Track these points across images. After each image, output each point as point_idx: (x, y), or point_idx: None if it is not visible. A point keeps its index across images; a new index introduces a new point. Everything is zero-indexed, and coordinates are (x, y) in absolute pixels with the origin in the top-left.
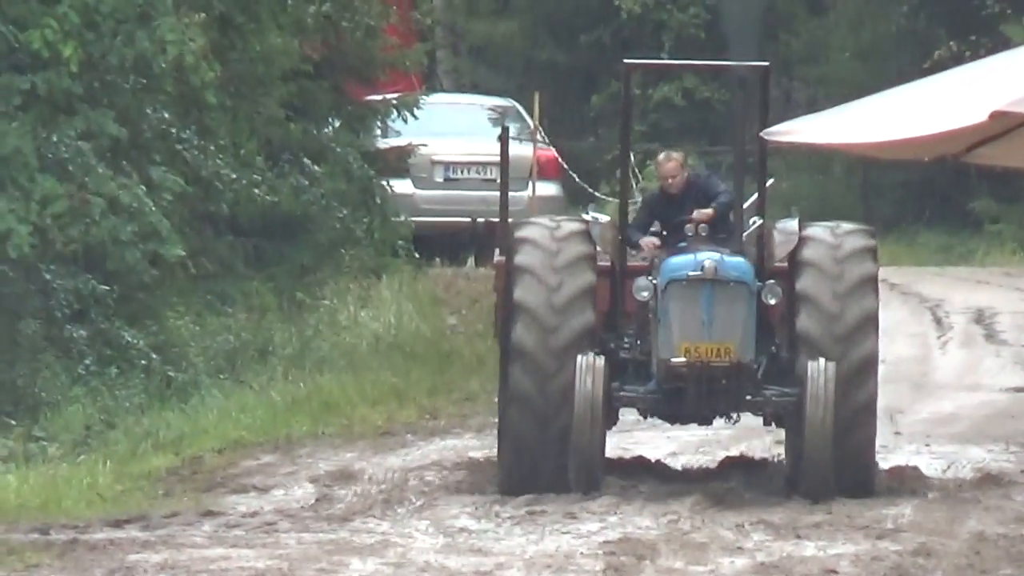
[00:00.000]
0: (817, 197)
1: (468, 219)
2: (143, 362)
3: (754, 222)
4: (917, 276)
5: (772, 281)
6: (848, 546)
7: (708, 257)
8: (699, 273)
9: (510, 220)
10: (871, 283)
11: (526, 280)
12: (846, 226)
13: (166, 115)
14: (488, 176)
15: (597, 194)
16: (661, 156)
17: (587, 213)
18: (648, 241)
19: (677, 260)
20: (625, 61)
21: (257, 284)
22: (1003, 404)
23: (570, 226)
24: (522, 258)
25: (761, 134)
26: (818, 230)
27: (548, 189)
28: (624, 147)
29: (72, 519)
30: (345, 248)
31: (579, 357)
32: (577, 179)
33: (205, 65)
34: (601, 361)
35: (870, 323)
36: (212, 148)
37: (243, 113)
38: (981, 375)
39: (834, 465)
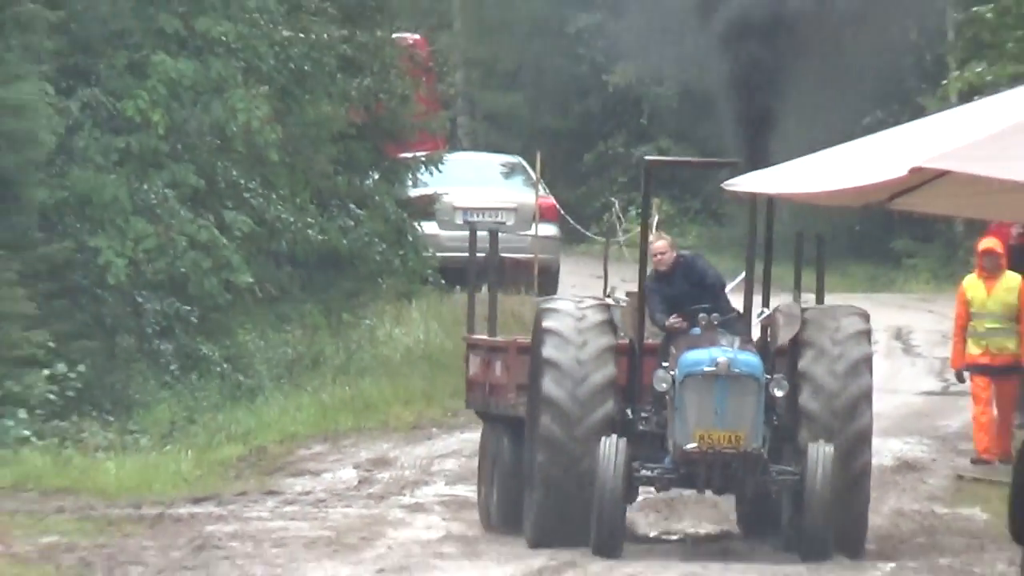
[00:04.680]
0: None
1: (482, 254)
2: (218, 370)
3: (762, 313)
4: (848, 301)
5: (780, 375)
6: None
7: (722, 353)
8: (714, 369)
9: (517, 256)
10: (866, 363)
11: (553, 373)
12: (842, 308)
13: (236, 170)
14: (499, 219)
15: (588, 233)
16: (653, 237)
17: (610, 296)
18: (673, 323)
19: (693, 355)
20: (646, 158)
21: (310, 306)
22: (918, 405)
23: (594, 317)
24: (550, 351)
25: (722, 185)
26: (817, 313)
27: (548, 230)
28: (643, 236)
29: (160, 497)
30: (382, 277)
31: (603, 439)
32: (571, 221)
33: (268, 128)
34: (623, 444)
35: (865, 400)
36: (274, 196)
37: (299, 167)
38: (900, 381)
39: (833, 527)
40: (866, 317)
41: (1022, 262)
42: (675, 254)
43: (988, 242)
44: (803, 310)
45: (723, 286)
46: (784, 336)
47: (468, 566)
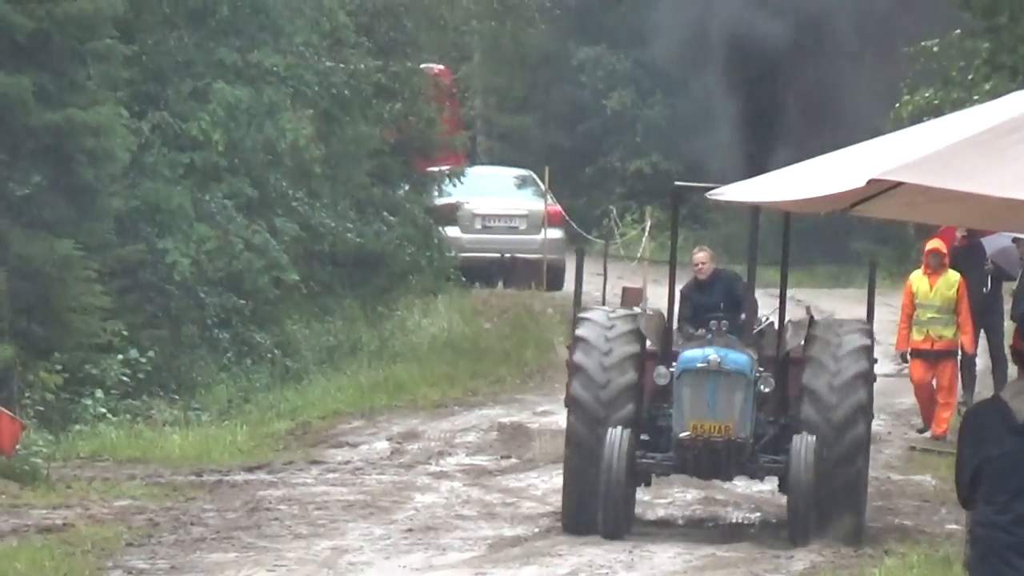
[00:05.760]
0: (747, 240)
1: (498, 254)
2: (269, 355)
3: (765, 318)
4: (815, 295)
5: (768, 373)
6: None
7: (714, 351)
8: (705, 365)
9: (528, 256)
10: (865, 351)
11: (581, 377)
12: (845, 318)
13: (285, 182)
14: (512, 224)
15: (589, 237)
16: (695, 249)
17: (639, 308)
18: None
19: (690, 353)
20: (675, 183)
21: (349, 300)
22: (875, 385)
23: (622, 327)
24: (579, 357)
25: (707, 195)
26: (827, 320)
27: (555, 233)
28: (672, 257)
29: (219, 465)
30: (412, 275)
31: (610, 430)
32: (575, 226)
33: (313, 146)
34: (628, 434)
35: (861, 379)
36: (318, 204)
37: (340, 180)
38: None
39: (827, 497)
40: (867, 325)
41: (965, 261)
42: (714, 266)
43: (934, 243)
44: (811, 318)
45: (748, 305)
46: (792, 342)
47: (485, 526)
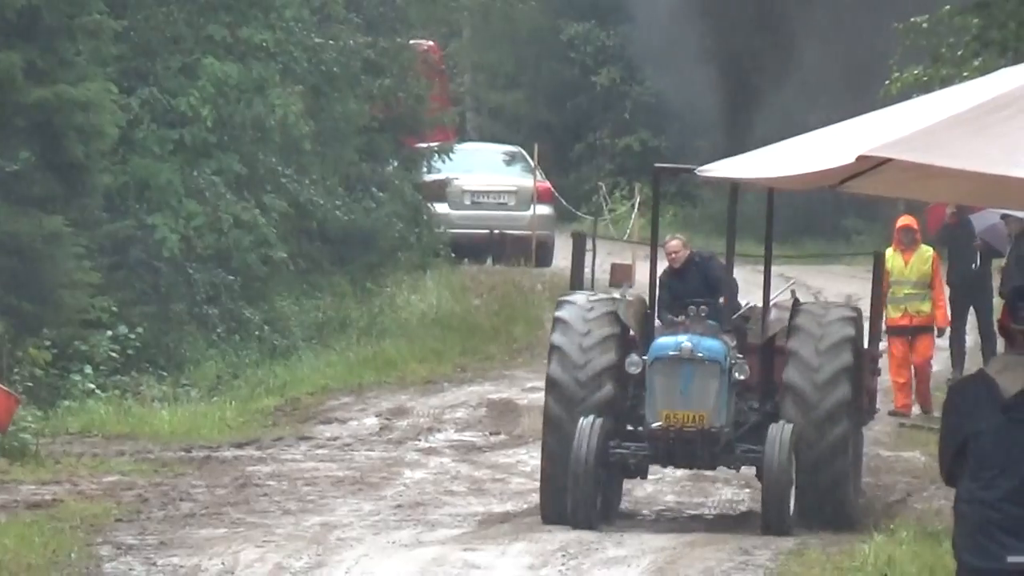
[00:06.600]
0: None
1: (487, 231)
2: (257, 332)
3: (746, 303)
4: (804, 272)
5: (743, 359)
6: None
7: (687, 339)
8: (677, 352)
9: (517, 232)
10: (848, 343)
11: (558, 358)
12: (834, 303)
13: (274, 158)
14: (501, 200)
15: (578, 212)
16: (668, 237)
17: (618, 292)
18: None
19: (662, 340)
20: (655, 165)
21: (338, 276)
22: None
23: (601, 309)
24: (557, 337)
25: (696, 171)
26: (811, 305)
27: (544, 210)
28: (654, 238)
29: (208, 441)
30: (401, 251)
31: (581, 419)
32: (564, 202)
33: (302, 122)
34: (600, 422)
35: (844, 373)
36: (307, 181)
37: (329, 156)
38: None
39: (811, 498)
40: (854, 308)
41: (954, 238)
42: (688, 252)
43: (904, 220)
44: (796, 301)
45: (726, 287)
46: (773, 328)
47: (475, 502)
